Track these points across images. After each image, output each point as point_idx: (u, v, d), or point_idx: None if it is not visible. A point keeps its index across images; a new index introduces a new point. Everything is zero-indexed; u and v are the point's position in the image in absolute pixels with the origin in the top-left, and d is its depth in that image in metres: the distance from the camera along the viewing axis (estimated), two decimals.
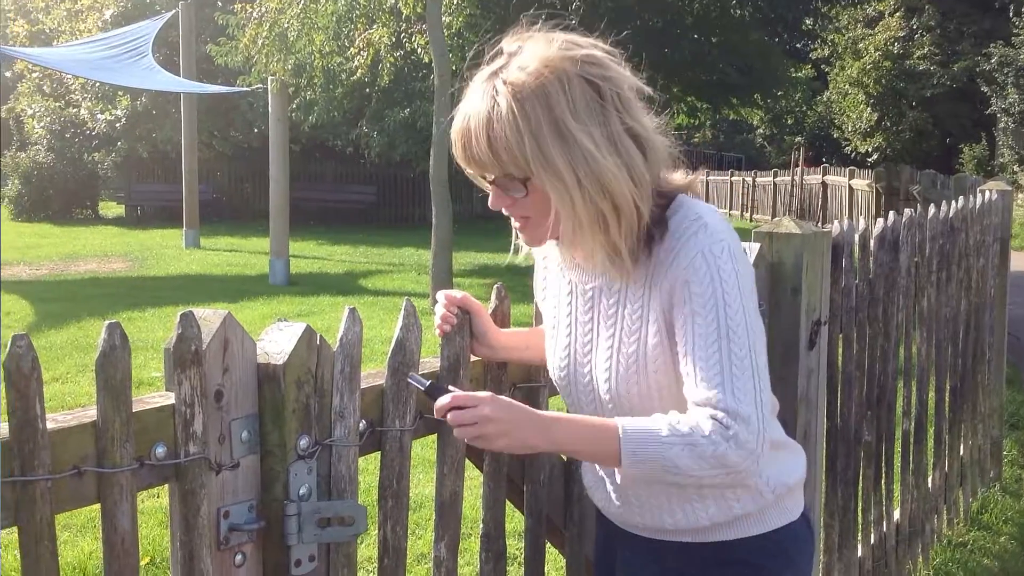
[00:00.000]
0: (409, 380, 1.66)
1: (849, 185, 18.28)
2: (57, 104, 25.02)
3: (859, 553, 3.41)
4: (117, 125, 23.38)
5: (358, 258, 16.63)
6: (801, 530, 1.76)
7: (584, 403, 1.70)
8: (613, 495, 1.77)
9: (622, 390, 1.61)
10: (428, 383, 1.60)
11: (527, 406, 1.57)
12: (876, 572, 3.57)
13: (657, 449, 1.49)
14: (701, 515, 1.68)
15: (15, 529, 1.29)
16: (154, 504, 4.52)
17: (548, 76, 1.48)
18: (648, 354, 1.57)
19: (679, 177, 1.63)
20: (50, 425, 1.30)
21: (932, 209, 3.92)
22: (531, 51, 1.51)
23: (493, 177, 1.55)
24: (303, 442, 1.55)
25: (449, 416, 1.52)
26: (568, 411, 1.78)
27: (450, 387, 1.60)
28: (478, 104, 1.51)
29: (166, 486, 1.46)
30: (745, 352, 1.50)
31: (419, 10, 11.90)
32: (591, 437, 1.54)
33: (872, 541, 3.54)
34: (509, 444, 1.53)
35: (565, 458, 2.21)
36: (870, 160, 24.81)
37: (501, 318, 1.95)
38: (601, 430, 1.53)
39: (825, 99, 30.18)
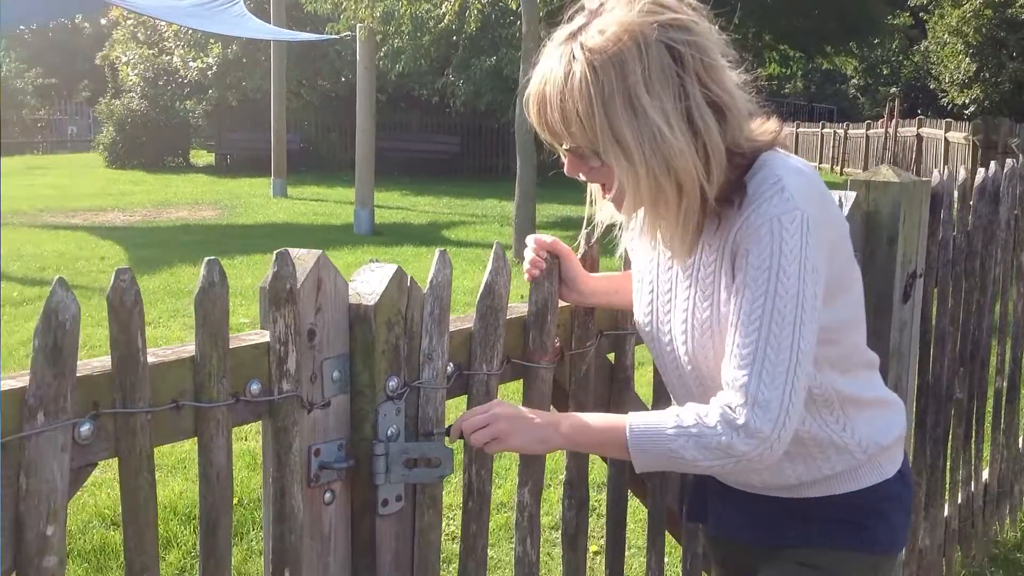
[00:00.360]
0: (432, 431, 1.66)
1: (945, 138, 17.74)
2: (151, 52, 25.48)
3: (945, 512, 3.35)
4: (208, 73, 23.74)
5: (441, 209, 16.70)
6: (895, 487, 1.71)
7: (666, 361, 1.68)
8: None
9: (699, 354, 1.59)
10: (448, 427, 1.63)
11: (530, 410, 1.62)
12: (962, 532, 3.51)
13: (663, 442, 1.50)
14: (789, 474, 1.66)
15: (111, 469, 1.33)
16: (242, 447, 4.64)
17: (627, 42, 1.43)
18: (721, 321, 1.54)
19: (763, 132, 1.56)
20: (150, 359, 1.33)
21: None
22: (612, 13, 1.46)
23: (569, 145, 1.53)
24: (392, 383, 1.57)
25: (463, 425, 1.57)
26: (654, 364, 1.77)
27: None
28: (555, 68, 1.47)
29: (254, 427, 1.48)
30: (787, 333, 1.44)
31: None
32: (602, 433, 1.57)
33: (959, 500, 3.48)
34: (523, 442, 1.57)
35: (650, 406, 2.21)
36: (967, 112, 24.00)
37: (590, 263, 1.94)
38: (610, 428, 1.55)
39: (922, 48, 29.23)
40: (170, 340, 6.85)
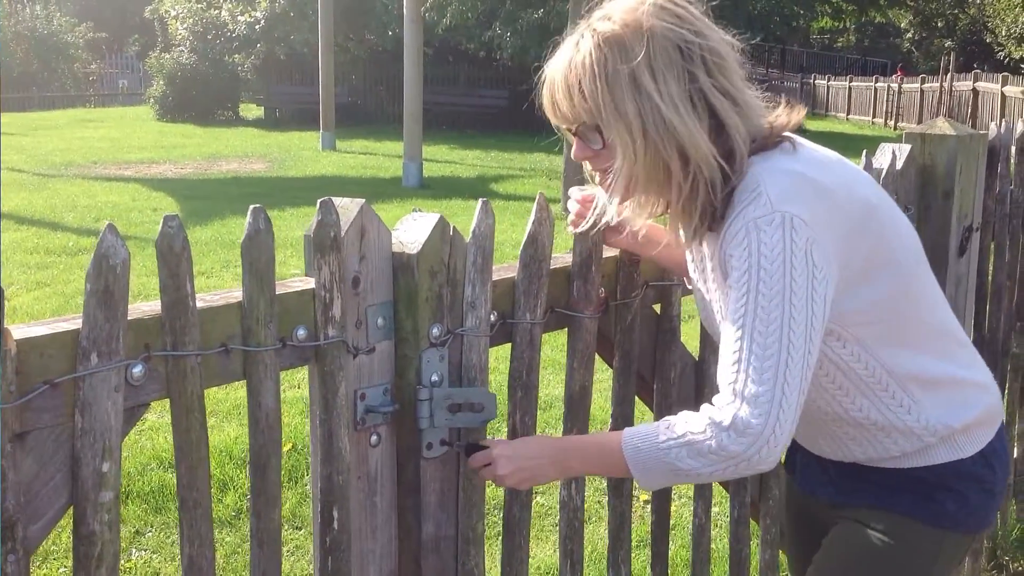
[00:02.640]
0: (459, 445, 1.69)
1: (1002, 92, 17.36)
2: (199, 6, 25.57)
3: None
4: (256, 27, 23.81)
5: (489, 162, 16.69)
6: (973, 468, 1.65)
7: (713, 332, 1.68)
8: None
9: None
10: (470, 444, 1.66)
11: (540, 437, 1.67)
12: (1017, 488, 3.48)
13: (658, 455, 1.49)
14: (857, 453, 1.66)
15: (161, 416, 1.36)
16: (295, 394, 4.71)
17: (632, 28, 1.47)
18: None
19: (780, 124, 1.57)
20: (199, 304, 1.35)
21: None
22: (620, 5, 1.51)
23: (575, 128, 1.55)
24: (435, 330, 1.58)
25: (470, 461, 1.64)
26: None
27: (483, 443, 1.65)
28: (564, 53, 1.53)
29: (306, 374, 1.51)
30: (774, 330, 1.42)
31: None
32: (599, 458, 1.59)
33: (1016, 455, 3.44)
34: (523, 479, 1.61)
35: (697, 357, 2.21)
36: None
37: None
38: (606, 450, 1.56)
39: (977, 1, 28.54)
40: (222, 288, 6.93)
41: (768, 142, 1.54)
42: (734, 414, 1.43)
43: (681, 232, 1.58)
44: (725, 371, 1.46)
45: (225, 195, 12.06)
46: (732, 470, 1.46)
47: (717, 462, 1.45)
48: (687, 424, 1.48)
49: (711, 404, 1.47)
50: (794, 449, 1.84)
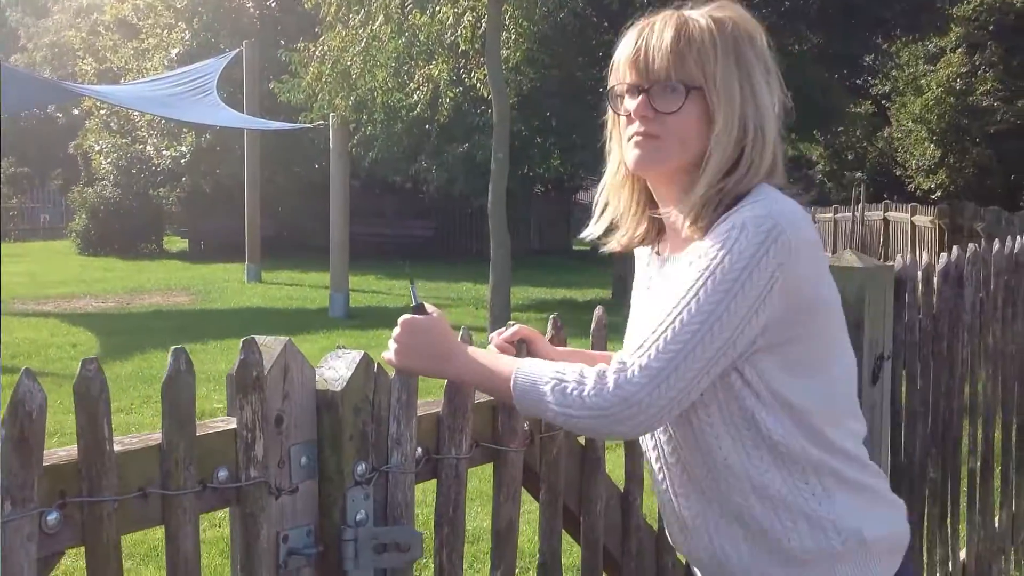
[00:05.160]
0: (411, 284, 1.80)
1: (911, 222, 18.03)
2: (124, 141, 25.60)
3: None
4: (182, 161, 23.85)
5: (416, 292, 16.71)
6: None
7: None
8: (675, 519, 1.69)
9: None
10: (419, 303, 1.67)
11: (442, 333, 1.61)
12: None
13: (536, 386, 1.48)
14: (755, 551, 1.55)
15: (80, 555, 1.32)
16: (216, 534, 4.57)
17: (744, 22, 1.56)
18: None
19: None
20: (117, 448, 1.33)
21: (996, 244, 3.86)
22: (731, 7, 1.58)
23: (649, 85, 1.54)
24: (360, 468, 1.57)
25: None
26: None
27: (428, 309, 1.66)
28: (667, 18, 1.55)
29: (227, 514, 1.48)
30: (700, 320, 1.41)
31: (477, 46, 12.04)
32: (488, 376, 1.57)
33: None
34: (414, 365, 1.61)
35: (622, 488, 2.21)
36: (934, 197, 24.44)
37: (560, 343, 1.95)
38: (498, 374, 1.55)
39: (886, 135, 29.86)
40: (142, 426, 6.77)
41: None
42: (620, 375, 1.41)
43: (686, 220, 1.54)
44: (644, 333, 1.45)
45: (147, 329, 11.88)
46: (587, 422, 1.44)
47: (572, 407, 1.44)
48: (576, 371, 1.46)
49: (617, 358, 1.46)
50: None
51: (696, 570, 1.72)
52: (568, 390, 1.45)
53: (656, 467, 1.68)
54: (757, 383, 1.50)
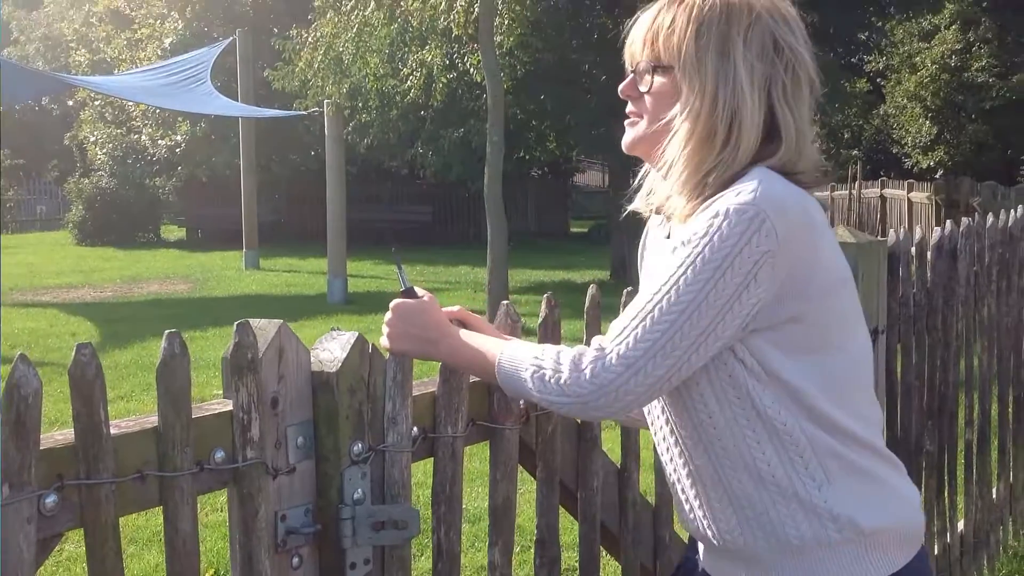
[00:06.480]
0: (398, 268, 1.78)
1: (908, 198, 18.04)
2: (119, 131, 25.56)
3: None
4: (177, 150, 23.83)
5: (415, 277, 16.74)
6: None
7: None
8: (679, 499, 1.67)
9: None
10: (408, 286, 1.68)
11: (432, 317, 1.63)
12: None
13: (517, 372, 1.50)
14: (748, 534, 1.53)
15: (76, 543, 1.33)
16: (218, 518, 4.59)
17: (739, 3, 1.53)
18: None
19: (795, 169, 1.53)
20: (113, 431, 1.34)
21: (990, 218, 3.87)
22: None
23: (634, 66, 1.59)
24: (356, 448, 1.58)
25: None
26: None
27: (418, 293, 1.67)
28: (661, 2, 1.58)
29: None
30: (678, 308, 1.40)
31: (470, 31, 12.01)
32: (476, 359, 1.58)
33: (935, 552, 3.49)
34: (403, 348, 1.63)
35: (619, 464, 2.22)
36: (935, 176, 24.41)
37: (551, 327, 1.96)
38: (485, 358, 1.56)
39: (882, 113, 29.80)
40: (142, 413, 6.76)
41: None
42: (597, 361, 1.43)
43: (683, 190, 1.53)
44: (622, 319, 1.46)
45: (145, 317, 11.89)
46: (566, 408, 1.46)
47: (551, 393, 1.46)
48: (557, 353, 1.48)
49: (594, 344, 1.46)
50: (693, 564, 1.74)
51: (701, 547, 1.72)
52: (546, 377, 1.47)
53: (661, 449, 1.67)
54: (752, 362, 1.48)
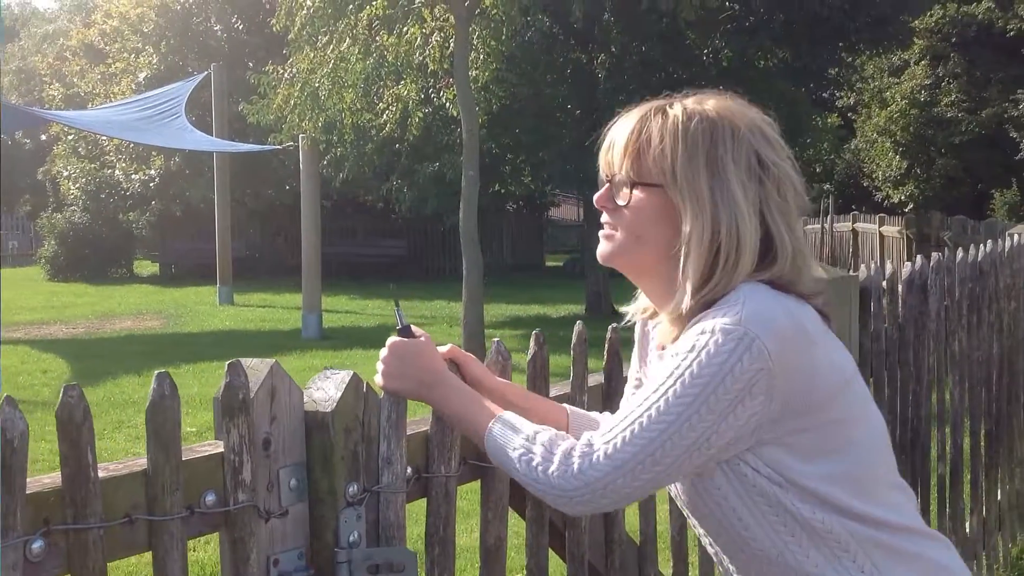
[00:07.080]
0: (396, 306, 1.74)
1: (879, 232, 18.20)
2: (92, 165, 25.42)
3: None
4: (151, 185, 23.72)
5: (389, 311, 16.65)
6: None
7: None
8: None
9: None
10: (405, 324, 1.65)
11: (429, 359, 1.61)
12: None
13: (504, 450, 1.50)
14: None
15: None
16: (212, 556, 4.52)
17: (725, 119, 1.50)
18: None
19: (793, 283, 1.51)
20: (101, 474, 1.31)
21: (960, 253, 3.90)
22: (717, 99, 1.54)
23: (610, 177, 1.56)
24: (352, 489, 1.56)
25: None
26: None
27: (415, 332, 1.65)
28: (643, 112, 1.54)
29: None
30: (668, 419, 1.40)
31: (446, 66, 12.06)
32: (467, 418, 1.58)
33: None
34: (396, 390, 1.61)
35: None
36: (905, 210, 24.65)
37: (541, 364, 1.95)
38: (476, 421, 1.56)
39: (853, 147, 30.14)
40: (115, 451, 6.71)
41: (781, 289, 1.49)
42: (584, 459, 1.42)
43: (663, 327, 1.55)
44: (615, 417, 1.46)
45: (118, 354, 11.77)
46: (549, 499, 1.46)
47: (534, 481, 1.46)
48: (551, 439, 1.47)
49: (583, 439, 1.45)
50: None
51: None
52: (533, 463, 1.46)
53: (704, 543, 1.65)
54: (769, 472, 1.47)
